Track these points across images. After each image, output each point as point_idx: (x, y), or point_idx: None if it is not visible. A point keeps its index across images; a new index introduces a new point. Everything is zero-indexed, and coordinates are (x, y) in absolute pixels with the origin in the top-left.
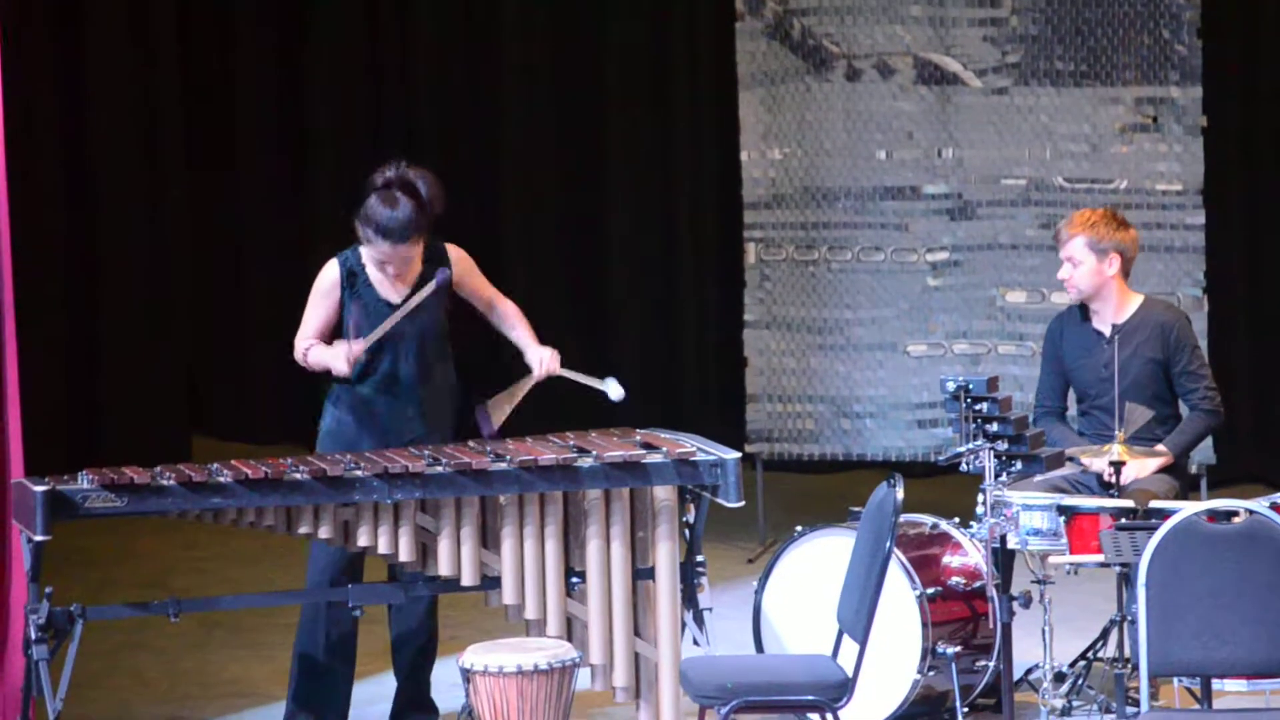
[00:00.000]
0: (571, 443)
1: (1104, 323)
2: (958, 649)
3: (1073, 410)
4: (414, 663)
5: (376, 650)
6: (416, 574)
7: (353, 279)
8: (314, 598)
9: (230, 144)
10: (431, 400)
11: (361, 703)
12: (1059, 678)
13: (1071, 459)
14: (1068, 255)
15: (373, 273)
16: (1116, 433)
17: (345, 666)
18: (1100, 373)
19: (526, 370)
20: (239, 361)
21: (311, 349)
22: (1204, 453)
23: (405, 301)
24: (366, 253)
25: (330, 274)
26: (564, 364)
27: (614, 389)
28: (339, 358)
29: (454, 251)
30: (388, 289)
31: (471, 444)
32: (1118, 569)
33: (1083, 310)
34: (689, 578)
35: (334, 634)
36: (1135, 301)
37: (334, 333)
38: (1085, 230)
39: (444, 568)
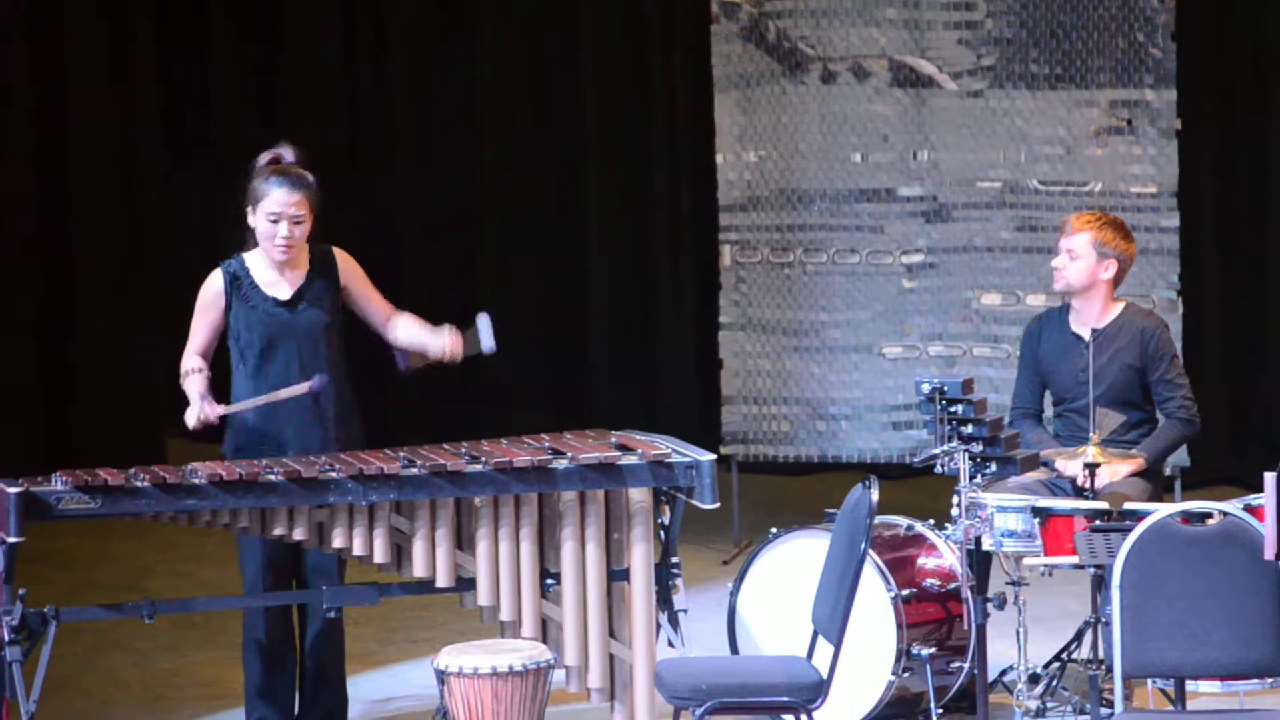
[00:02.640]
0: (546, 444)
1: (1083, 326)
2: (932, 650)
3: (1049, 413)
4: (323, 654)
5: (356, 653)
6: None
7: (238, 283)
8: (286, 600)
9: (207, 147)
10: (309, 403)
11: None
12: (1033, 679)
13: (1045, 462)
14: (1069, 247)
15: (259, 274)
16: (1091, 435)
17: (290, 657)
18: (1077, 376)
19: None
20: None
21: (190, 378)
22: (1178, 455)
23: (276, 390)
24: (258, 250)
25: (214, 283)
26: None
27: (486, 337)
28: (193, 413)
29: (340, 255)
30: (275, 287)
31: (446, 446)
32: (1092, 571)
33: (1062, 314)
34: (664, 579)
35: (274, 628)
36: (1117, 308)
37: (222, 343)
38: (1094, 229)
39: (419, 569)
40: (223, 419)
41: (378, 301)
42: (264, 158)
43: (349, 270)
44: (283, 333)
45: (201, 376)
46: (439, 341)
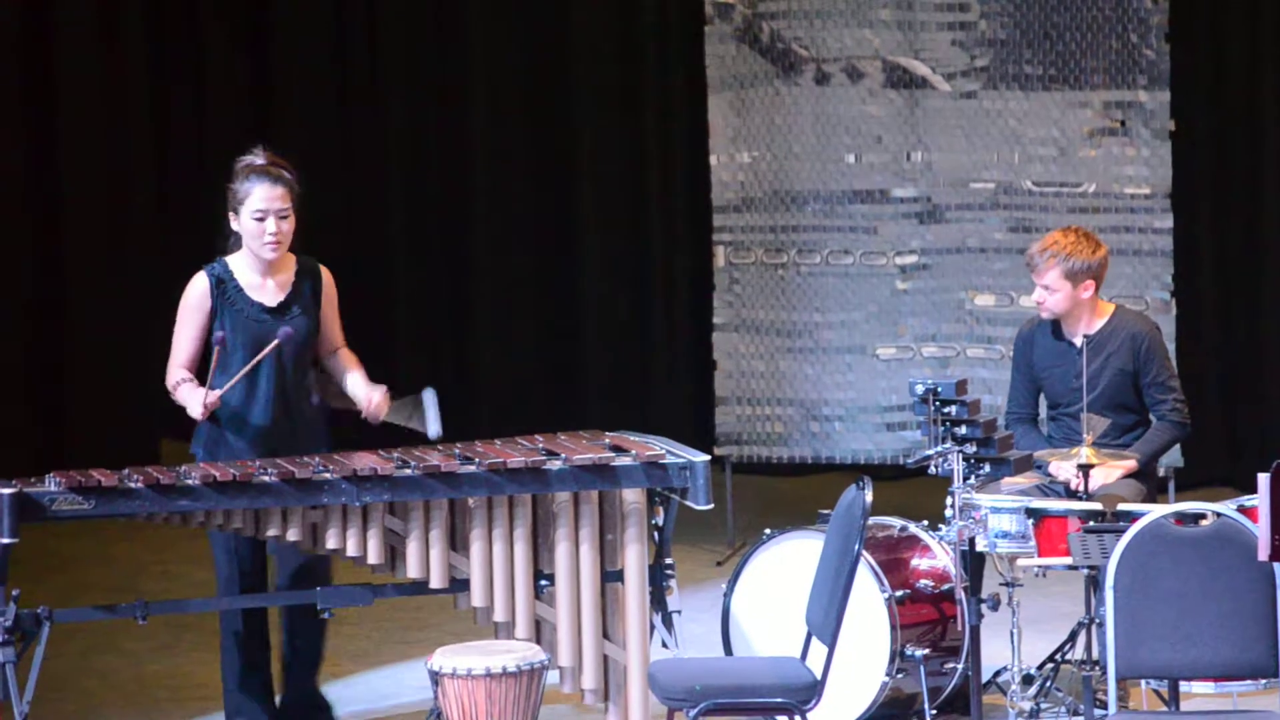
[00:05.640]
0: (540, 445)
1: (1075, 333)
2: (926, 651)
3: (1043, 415)
4: (302, 659)
5: (350, 653)
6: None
7: (223, 287)
8: (281, 601)
9: (199, 149)
10: (295, 409)
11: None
12: (1027, 680)
13: (1039, 464)
14: (1043, 283)
15: (244, 278)
16: (1085, 436)
17: (265, 660)
18: (1071, 382)
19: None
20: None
21: (181, 386)
22: (1172, 456)
23: (270, 319)
24: (241, 254)
25: (199, 285)
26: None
27: (433, 420)
28: (195, 404)
29: (326, 274)
30: (260, 292)
31: (440, 447)
32: (1086, 571)
33: (1054, 320)
34: (658, 580)
35: (251, 633)
36: (1107, 311)
37: (205, 350)
38: (1060, 262)
39: (413, 570)
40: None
41: (335, 329)
42: (240, 163)
43: (329, 291)
44: (265, 340)
45: (193, 384)
46: (364, 393)
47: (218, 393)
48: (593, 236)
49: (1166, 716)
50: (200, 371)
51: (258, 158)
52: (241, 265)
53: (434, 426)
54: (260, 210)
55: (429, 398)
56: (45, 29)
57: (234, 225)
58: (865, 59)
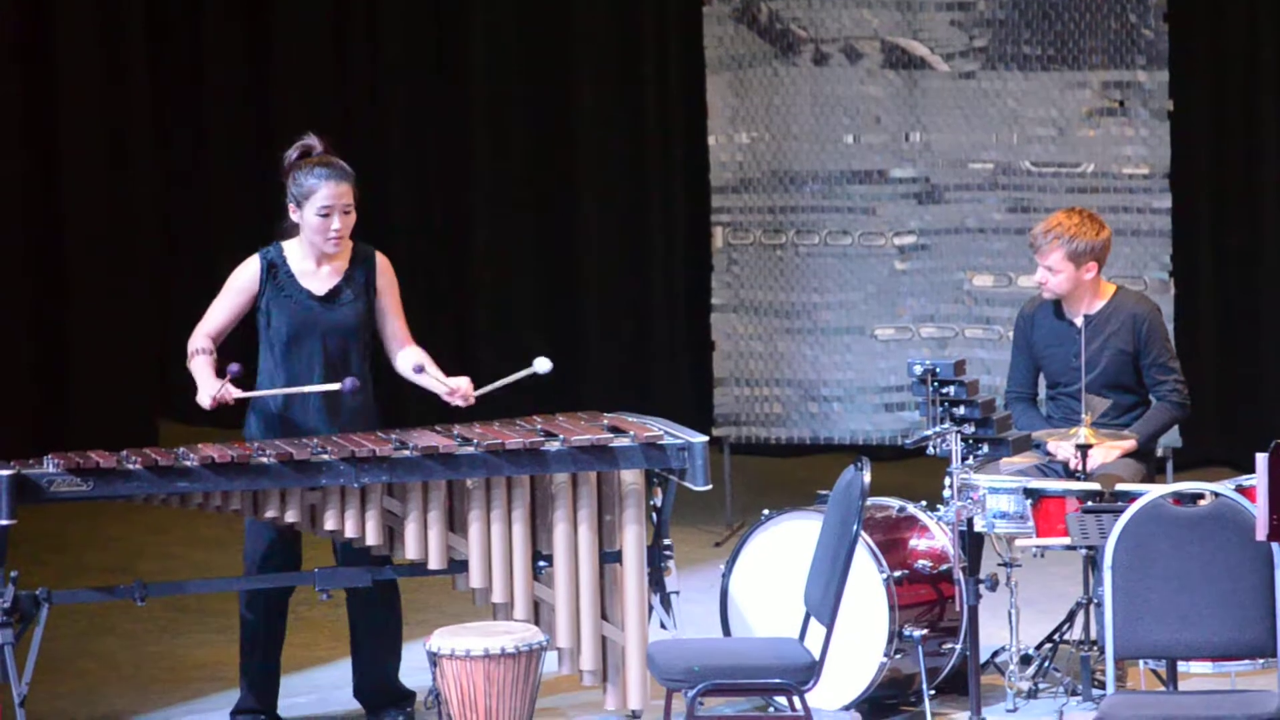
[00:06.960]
0: (539, 426)
1: (1076, 313)
2: (924, 632)
3: (1042, 394)
4: (376, 650)
5: (344, 634)
6: (361, 553)
7: (274, 271)
8: (279, 582)
9: (199, 131)
10: (341, 400)
11: (327, 686)
12: (1025, 660)
13: (1037, 444)
14: (1046, 264)
15: (296, 264)
16: (1084, 416)
17: (277, 646)
18: (1071, 361)
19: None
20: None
21: (197, 357)
22: (1170, 436)
23: (307, 392)
24: (297, 240)
25: (250, 268)
26: (484, 380)
27: (541, 364)
28: (205, 392)
29: (382, 260)
30: (311, 280)
31: (438, 428)
32: (1084, 552)
33: (1055, 300)
34: (656, 561)
35: (269, 616)
36: (1108, 292)
37: (241, 329)
38: (1064, 243)
39: (411, 551)
40: (240, 401)
41: (398, 322)
42: (294, 151)
43: (386, 278)
44: (312, 327)
45: (209, 359)
46: (449, 386)
47: (237, 394)
48: (591, 217)
49: (1164, 696)
50: (223, 349)
51: (316, 145)
52: (296, 252)
53: (541, 365)
54: (326, 206)
55: (539, 363)
56: (46, 29)
57: (294, 217)
58: (864, 39)
